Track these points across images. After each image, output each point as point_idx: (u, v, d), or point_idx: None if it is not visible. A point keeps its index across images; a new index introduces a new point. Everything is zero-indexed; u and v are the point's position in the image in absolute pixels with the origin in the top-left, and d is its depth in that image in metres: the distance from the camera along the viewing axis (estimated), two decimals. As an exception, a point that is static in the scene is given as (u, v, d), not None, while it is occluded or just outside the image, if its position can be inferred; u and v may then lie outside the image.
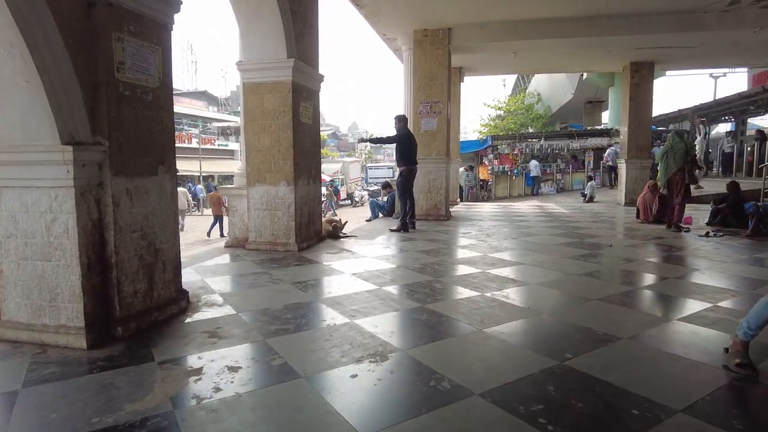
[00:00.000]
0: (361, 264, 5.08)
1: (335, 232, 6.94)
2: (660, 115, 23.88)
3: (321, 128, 7.23)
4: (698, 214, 8.86)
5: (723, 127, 21.78)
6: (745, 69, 19.21)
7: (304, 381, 2.32)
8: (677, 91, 77.56)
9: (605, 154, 17.72)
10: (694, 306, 3.57)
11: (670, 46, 10.05)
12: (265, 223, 5.74)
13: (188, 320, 3.23)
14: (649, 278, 4.57)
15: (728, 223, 7.95)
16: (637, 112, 11.78)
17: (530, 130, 25.35)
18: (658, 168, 7.98)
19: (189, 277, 4.25)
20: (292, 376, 2.36)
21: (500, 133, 23.12)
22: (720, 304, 3.61)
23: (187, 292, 3.60)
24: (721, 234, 7.12)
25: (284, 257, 5.37)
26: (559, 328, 3.13)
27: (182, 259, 3.61)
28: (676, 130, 8.02)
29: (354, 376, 2.38)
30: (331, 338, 2.89)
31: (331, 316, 3.29)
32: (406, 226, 7.71)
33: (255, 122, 5.63)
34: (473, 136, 33.94)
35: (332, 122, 77.25)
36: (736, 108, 17.05)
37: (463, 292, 3.95)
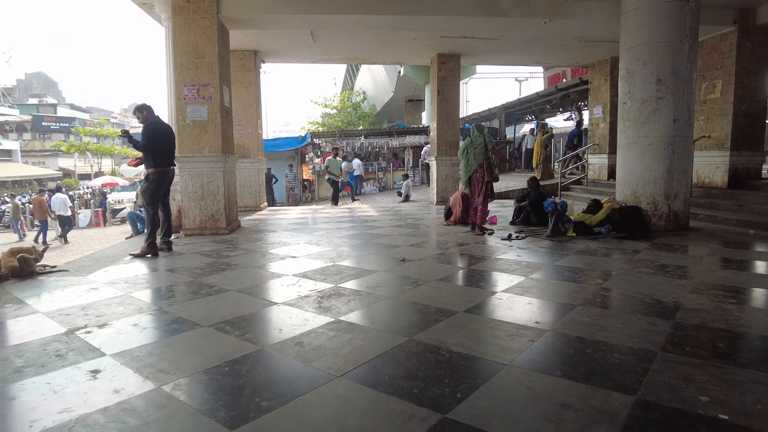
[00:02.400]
0: (27, 329, 3.03)
1: (26, 268, 4.65)
2: (472, 114, 25.08)
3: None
4: (507, 211, 8.41)
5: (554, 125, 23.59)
6: (542, 72, 20.77)
7: None
8: (488, 93, 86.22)
9: (422, 152, 17.55)
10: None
11: (473, 36, 9.59)
12: None
13: None
14: (429, 317, 3.36)
15: (531, 221, 7.52)
16: (445, 107, 11.28)
17: (360, 129, 24.65)
18: (461, 166, 7.21)
19: None
20: None
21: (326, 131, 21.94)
22: (514, 363, 2.44)
23: None
24: (523, 236, 6.51)
25: None
26: None
27: None
28: (476, 124, 7.32)
29: None
30: None
31: None
32: (154, 248, 5.70)
33: None
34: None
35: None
36: (536, 107, 18.25)
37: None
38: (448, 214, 8.05)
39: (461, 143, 7.89)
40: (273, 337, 2.91)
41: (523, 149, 17.87)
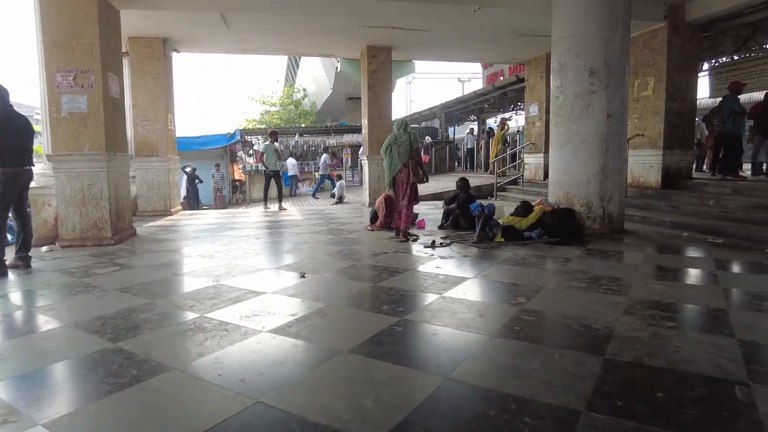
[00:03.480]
0: None
1: None
2: (414, 113, 24.68)
3: None
4: (440, 214, 7.79)
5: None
6: (481, 72, 20.53)
7: None
8: (432, 93, 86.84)
9: (360, 152, 16.84)
10: None
11: (402, 27, 8.93)
12: None
13: None
14: (302, 362, 2.60)
15: (460, 225, 6.92)
16: (376, 103, 10.59)
17: (295, 126, 23.62)
18: (384, 165, 6.52)
19: None
20: None
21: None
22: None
23: None
24: (449, 242, 5.89)
25: None
26: None
27: None
28: (400, 119, 6.64)
29: None
30: None
31: None
32: (3, 267, 4.64)
33: None
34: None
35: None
36: (474, 106, 17.93)
37: None
38: (374, 218, 7.34)
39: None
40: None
41: (463, 149, 17.52)
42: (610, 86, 6.04)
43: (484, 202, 7.04)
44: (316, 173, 17.96)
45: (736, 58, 14.64)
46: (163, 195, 9.87)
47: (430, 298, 3.57)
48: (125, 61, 9.58)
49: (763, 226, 5.80)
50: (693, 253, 5.24)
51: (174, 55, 10.26)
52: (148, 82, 9.49)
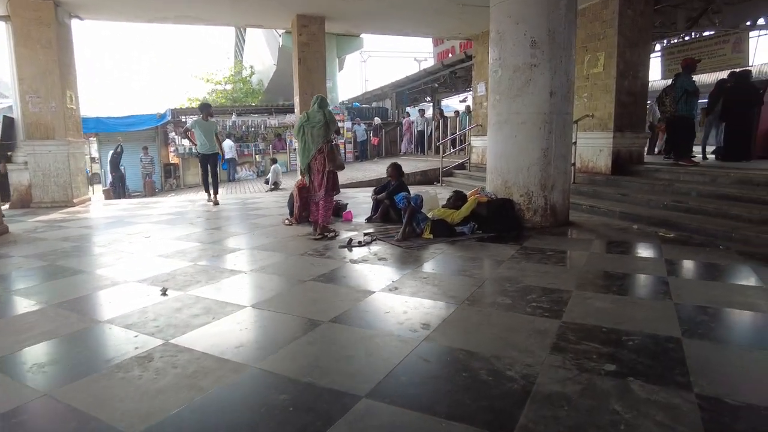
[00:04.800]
0: None
1: None
2: (365, 93, 23.62)
3: None
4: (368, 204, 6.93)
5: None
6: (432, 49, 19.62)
7: None
8: (389, 72, 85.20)
9: (289, 132, 15.76)
10: None
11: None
12: None
13: None
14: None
15: (390, 218, 6.09)
16: (308, 78, 9.57)
17: (232, 106, 22.16)
18: (296, 149, 5.58)
19: None
20: None
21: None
22: None
23: None
24: (369, 239, 5.05)
25: None
26: None
27: None
28: (318, 95, 5.71)
29: None
30: None
31: None
32: None
33: None
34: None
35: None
36: (426, 85, 17.05)
37: None
38: (293, 209, 6.42)
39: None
40: None
41: (414, 131, 16.67)
42: (554, 59, 5.27)
43: (423, 190, 6.26)
44: (257, 156, 16.78)
45: (687, 38, 14.31)
46: (62, 183, 8.59)
47: (295, 333, 2.71)
48: (2, 25, 8.21)
49: (716, 218, 5.22)
50: (643, 251, 4.58)
51: (83, 24, 8.90)
52: (38, 53, 8.13)
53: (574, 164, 7.75)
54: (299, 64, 9.47)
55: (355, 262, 4.22)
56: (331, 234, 5.37)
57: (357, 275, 3.83)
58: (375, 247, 4.77)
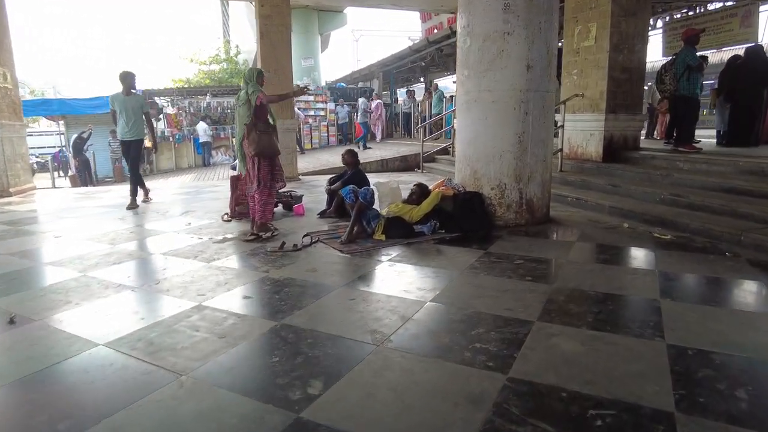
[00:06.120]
0: None
1: None
2: (353, 72, 22.60)
3: None
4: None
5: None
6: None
7: None
8: (381, 52, 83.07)
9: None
10: None
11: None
12: None
13: None
14: None
15: (345, 211, 5.26)
16: (272, 54, 8.67)
17: (205, 86, 21.19)
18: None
19: None
20: None
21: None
22: None
23: None
24: (309, 242, 4.24)
25: None
26: None
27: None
28: (252, 68, 4.87)
29: None
30: None
31: None
32: None
33: None
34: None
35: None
36: (413, 64, 16.06)
37: None
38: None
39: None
40: None
41: (400, 113, 15.74)
42: (531, 25, 4.40)
43: (382, 180, 5.44)
44: (233, 139, 15.87)
45: (691, 13, 13.32)
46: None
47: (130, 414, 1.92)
48: None
49: (722, 216, 4.40)
50: (633, 260, 3.78)
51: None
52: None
53: (561, 150, 6.94)
54: (261, 39, 8.57)
55: (278, 282, 3.41)
56: (268, 234, 4.56)
57: (271, 298, 3.02)
58: (311, 252, 3.97)
